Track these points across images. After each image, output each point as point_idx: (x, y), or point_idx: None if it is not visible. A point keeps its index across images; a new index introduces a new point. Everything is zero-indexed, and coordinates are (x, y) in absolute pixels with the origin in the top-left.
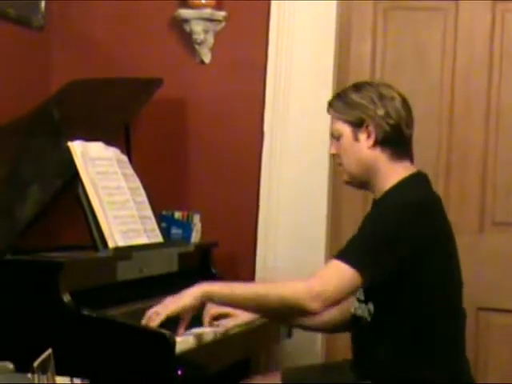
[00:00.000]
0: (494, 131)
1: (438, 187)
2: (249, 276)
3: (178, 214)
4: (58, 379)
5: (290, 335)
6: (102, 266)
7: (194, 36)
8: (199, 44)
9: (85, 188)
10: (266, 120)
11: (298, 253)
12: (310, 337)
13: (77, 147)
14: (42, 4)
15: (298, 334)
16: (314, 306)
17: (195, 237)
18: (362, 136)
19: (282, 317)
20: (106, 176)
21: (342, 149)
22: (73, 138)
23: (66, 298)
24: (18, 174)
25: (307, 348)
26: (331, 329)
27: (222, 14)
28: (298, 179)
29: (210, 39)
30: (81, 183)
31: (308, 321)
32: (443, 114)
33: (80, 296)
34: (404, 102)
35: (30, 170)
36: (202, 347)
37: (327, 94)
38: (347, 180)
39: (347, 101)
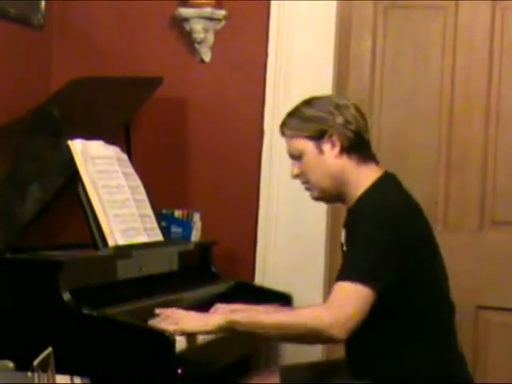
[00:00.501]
0: (494, 130)
1: (438, 186)
2: (248, 275)
3: (178, 213)
4: (58, 378)
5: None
6: (102, 264)
7: (194, 35)
8: (199, 43)
9: (85, 186)
10: (266, 118)
11: (297, 251)
12: None
13: (77, 146)
14: (42, 3)
15: None
16: (340, 335)
17: (195, 235)
18: (326, 147)
19: (306, 342)
20: (106, 175)
21: (306, 166)
22: (73, 137)
23: (66, 296)
24: (18, 172)
25: (307, 346)
26: None
27: (222, 12)
28: None
29: (210, 38)
30: (81, 182)
31: None
32: (443, 113)
33: (80, 294)
34: (358, 109)
35: (30, 169)
36: (202, 346)
37: (327, 93)
38: (318, 196)
39: (303, 116)
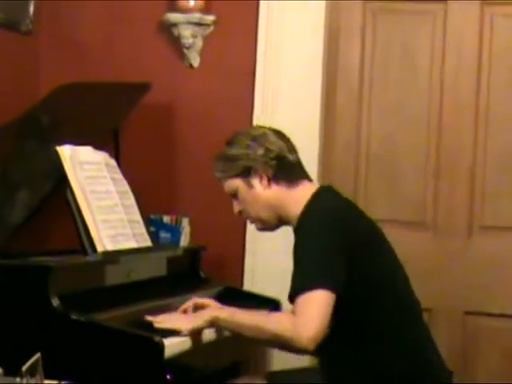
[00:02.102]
0: (483, 135)
1: (427, 192)
2: (237, 280)
3: (166, 218)
4: (47, 383)
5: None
6: (90, 270)
7: (183, 40)
8: (188, 48)
9: (73, 192)
10: (255, 123)
11: (286, 257)
12: None
13: (65, 151)
14: (31, 8)
15: None
16: (303, 345)
17: (184, 241)
18: (255, 181)
19: (279, 348)
20: (94, 180)
21: (243, 203)
22: (61, 142)
23: (55, 302)
24: (7, 178)
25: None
26: None
27: (210, 18)
28: None
29: (199, 43)
30: (69, 187)
31: None
32: (432, 118)
33: (69, 300)
34: (277, 132)
35: (19, 174)
36: (191, 351)
37: (316, 98)
38: (262, 227)
39: (226, 157)
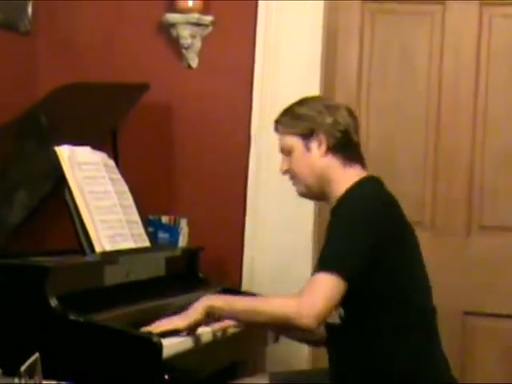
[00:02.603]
0: (481, 135)
1: (426, 191)
2: (235, 280)
3: (164, 219)
4: (46, 383)
5: (277, 340)
6: (89, 270)
7: (181, 41)
8: (186, 49)
9: (72, 192)
10: (253, 124)
11: (284, 257)
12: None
13: (64, 152)
14: (29, 9)
15: (285, 339)
16: (307, 323)
17: (182, 241)
18: (314, 145)
19: (280, 331)
20: (93, 180)
21: (294, 162)
22: (60, 143)
23: (53, 302)
24: (5, 178)
25: (294, 353)
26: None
27: (209, 18)
28: (285, 183)
29: (198, 44)
30: (67, 188)
31: (311, 336)
32: (430, 118)
33: (67, 300)
34: (349, 110)
35: (17, 175)
36: (189, 352)
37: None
38: (303, 191)
39: (294, 115)
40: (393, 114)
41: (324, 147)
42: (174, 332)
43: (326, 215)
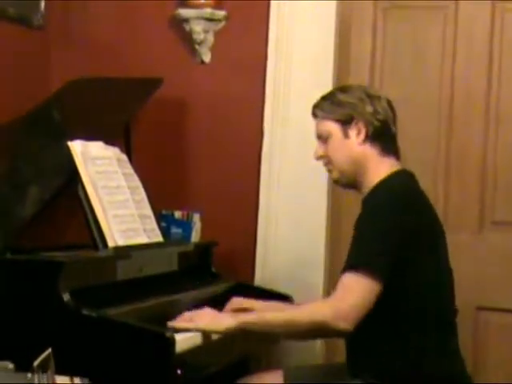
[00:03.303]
0: (494, 130)
1: (438, 186)
2: (248, 275)
3: (177, 214)
4: (58, 379)
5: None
6: (101, 265)
7: (194, 36)
8: (199, 44)
9: (84, 187)
10: (266, 119)
11: (297, 252)
12: None
13: (77, 147)
14: (42, 3)
15: None
16: (345, 326)
17: (195, 236)
18: (352, 133)
19: (316, 337)
20: (105, 175)
21: (330, 148)
22: (73, 138)
23: (66, 297)
24: (18, 173)
25: (307, 348)
26: None
27: (221, 13)
28: (298, 178)
29: (210, 39)
30: (80, 182)
31: None
32: (442, 113)
33: (80, 295)
34: (389, 102)
35: (30, 170)
36: (202, 346)
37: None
38: (337, 178)
39: (335, 101)
40: (405, 108)
41: (363, 135)
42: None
43: (341, 208)
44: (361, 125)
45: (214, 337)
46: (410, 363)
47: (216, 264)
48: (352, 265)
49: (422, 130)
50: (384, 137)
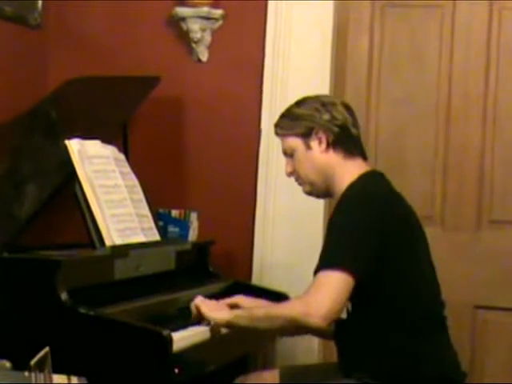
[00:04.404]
0: (491, 129)
1: (435, 186)
2: (246, 274)
3: (175, 212)
4: (55, 377)
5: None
6: (99, 264)
7: (191, 34)
8: (196, 42)
9: (82, 186)
10: (263, 118)
11: (294, 250)
12: (307, 336)
13: (74, 145)
14: (39, 3)
15: None
16: (316, 322)
17: (192, 235)
18: (314, 143)
19: (295, 333)
20: (103, 174)
21: (297, 163)
22: (70, 137)
23: (64, 296)
24: (15, 172)
25: (304, 347)
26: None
27: (219, 12)
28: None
29: (208, 37)
30: (78, 181)
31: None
32: (440, 112)
33: (77, 294)
34: (346, 105)
35: (27, 169)
36: (199, 345)
37: (325, 92)
38: (309, 190)
39: (292, 116)
40: (403, 108)
41: (324, 144)
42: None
43: None
44: (321, 134)
45: (213, 335)
46: (403, 360)
47: (213, 263)
48: (322, 261)
49: (419, 129)
50: (346, 141)
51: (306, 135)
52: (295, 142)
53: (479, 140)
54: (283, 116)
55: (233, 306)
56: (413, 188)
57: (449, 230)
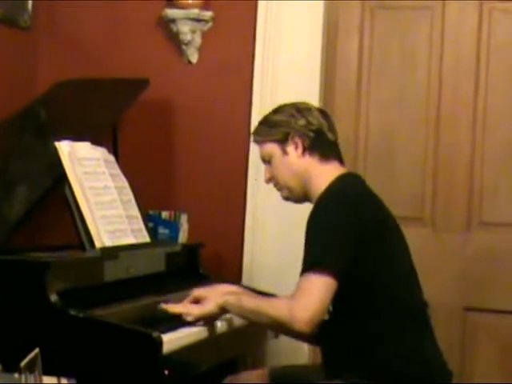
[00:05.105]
0: (481, 131)
1: (426, 187)
2: (236, 276)
3: (165, 214)
4: (45, 379)
5: (276, 335)
6: (89, 265)
7: (181, 36)
8: (186, 44)
9: (72, 188)
10: (253, 120)
11: (284, 253)
12: None
13: (64, 147)
14: (29, 4)
15: None
16: (301, 327)
17: (182, 237)
18: (290, 148)
19: (278, 331)
20: (93, 176)
21: (274, 168)
22: (60, 138)
23: (53, 297)
24: (5, 173)
25: (294, 348)
26: None
27: (209, 14)
28: None
29: (198, 39)
30: (68, 183)
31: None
32: (430, 113)
33: (67, 296)
34: (322, 111)
35: (17, 170)
36: (189, 347)
37: (314, 94)
38: (287, 195)
39: (269, 123)
40: (393, 110)
41: (300, 149)
42: (191, 322)
43: None
44: (296, 139)
45: (203, 336)
46: (385, 361)
47: (203, 264)
48: (306, 264)
49: (409, 130)
50: (322, 145)
51: (282, 141)
52: (272, 148)
53: (469, 142)
54: (260, 123)
55: None
56: (403, 190)
57: (439, 232)
